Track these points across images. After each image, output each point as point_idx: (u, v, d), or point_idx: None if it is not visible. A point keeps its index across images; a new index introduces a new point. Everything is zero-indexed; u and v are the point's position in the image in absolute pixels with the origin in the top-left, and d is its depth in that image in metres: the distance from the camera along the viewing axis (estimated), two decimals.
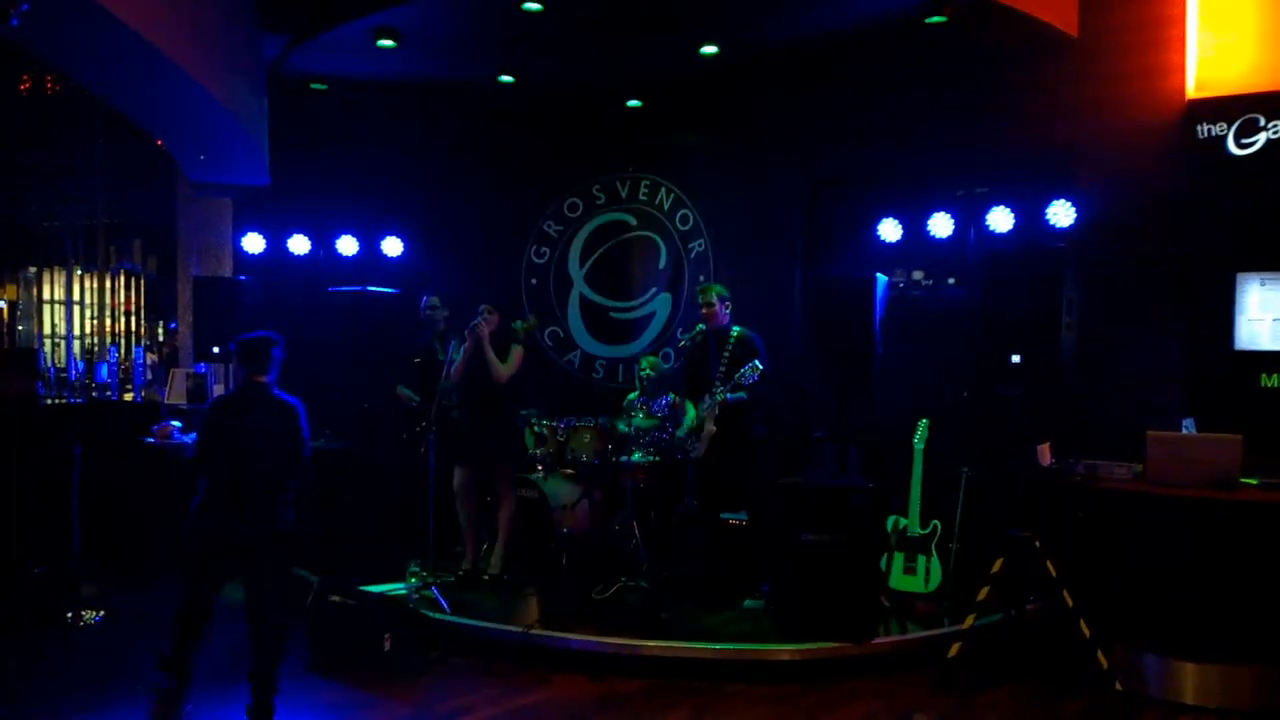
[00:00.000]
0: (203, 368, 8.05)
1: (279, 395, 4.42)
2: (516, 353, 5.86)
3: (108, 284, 11.10)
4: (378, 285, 7.02)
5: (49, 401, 8.72)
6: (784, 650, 4.72)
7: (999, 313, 4.77)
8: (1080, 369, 5.07)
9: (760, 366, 5.33)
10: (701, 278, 7.43)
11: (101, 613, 5.56)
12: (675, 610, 5.29)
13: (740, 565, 5.78)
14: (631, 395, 6.70)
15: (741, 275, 7.12)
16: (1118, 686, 4.30)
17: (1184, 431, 4.92)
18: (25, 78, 10.30)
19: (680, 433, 6.05)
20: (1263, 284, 5.43)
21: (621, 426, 6.23)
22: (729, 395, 5.45)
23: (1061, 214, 5.84)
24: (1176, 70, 5.72)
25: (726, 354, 5.59)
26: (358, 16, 5.73)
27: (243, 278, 7.41)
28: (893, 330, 5.65)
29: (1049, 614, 4.69)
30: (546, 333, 7.99)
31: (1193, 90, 5.66)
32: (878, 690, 4.52)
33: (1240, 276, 5.46)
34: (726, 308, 5.75)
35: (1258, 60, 5.52)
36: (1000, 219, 6.09)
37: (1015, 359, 4.65)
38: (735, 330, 5.70)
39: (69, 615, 5.41)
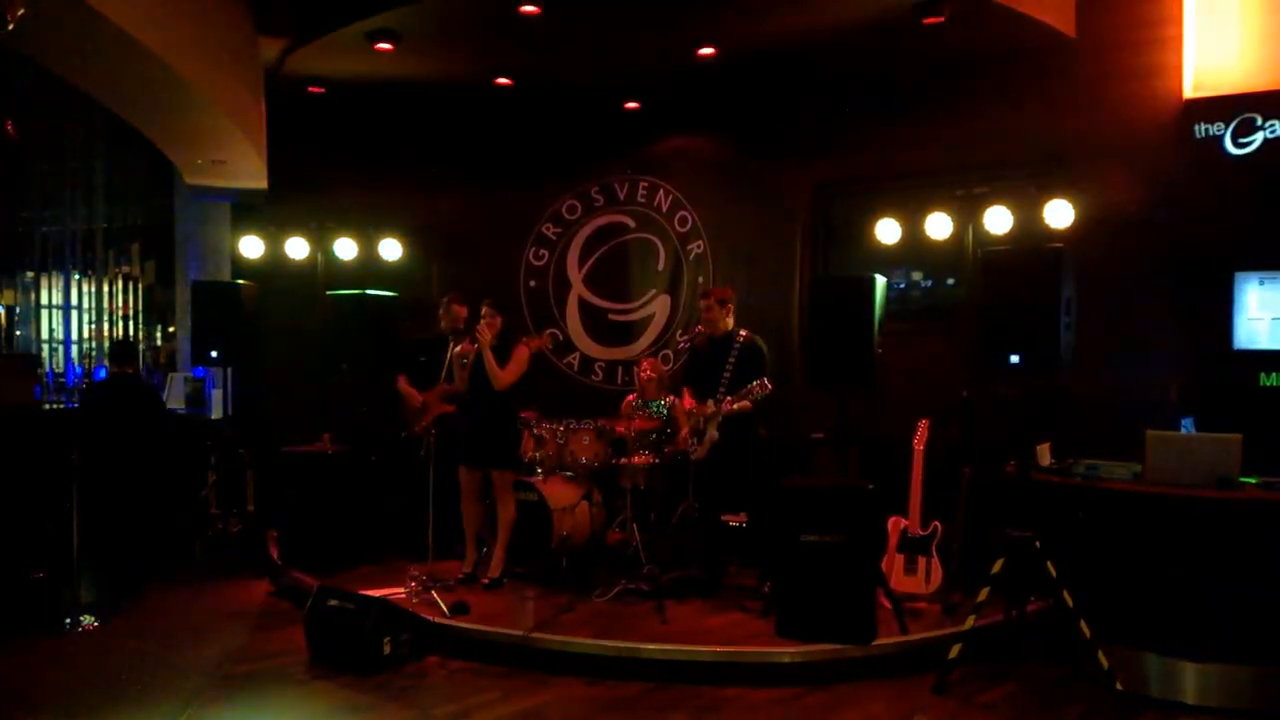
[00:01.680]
0: (201, 372, 8.05)
1: (142, 380, 6.66)
2: (519, 355, 5.82)
3: (106, 288, 11.09)
4: (376, 288, 7.01)
5: (47, 406, 8.72)
6: (785, 652, 4.71)
7: (998, 313, 4.76)
8: (1079, 369, 5.07)
9: (769, 386, 5.28)
10: (700, 279, 7.43)
11: (100, 619, 5.54)
12: (675, 612, 5.28)
13: (741, 566, 5.78)
14: (631, 397, 6.70)
15: (741, 276, 7.12)
16: (1118, 687, 4.29)
17: (1184, 431, 4.91)
18: (23, 81, 10.29)
19: (674, 430, 6.04)
20: (1261, 283, 5.43)
21: (621, 429, 6.23)
22: (734, 405, 5.42)
23: (1060, 214, 5.84)
24: (1174, 70, 5.73)
25: (732, 359, 5.55)
26: (355, 20, 5.73)
27: (241, 282, 7.41)
28: (892, 330, 5.64)
29: (1049, 614, 4.69)
30: (546, 335, 7.98)
31: (1190, 90, 5.67)
32: (879, 692, 4.51)
33: (1239, 275, 5.46)
34: (728, 310, 5.74)
35: (1255, 60, 5.53)
36: (998, 219, 6.08)
37: (1014, 359, 4.63)
38: (741, 335, 5.67)
39: (67, 621, 5.40)
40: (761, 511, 5.75)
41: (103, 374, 10.18)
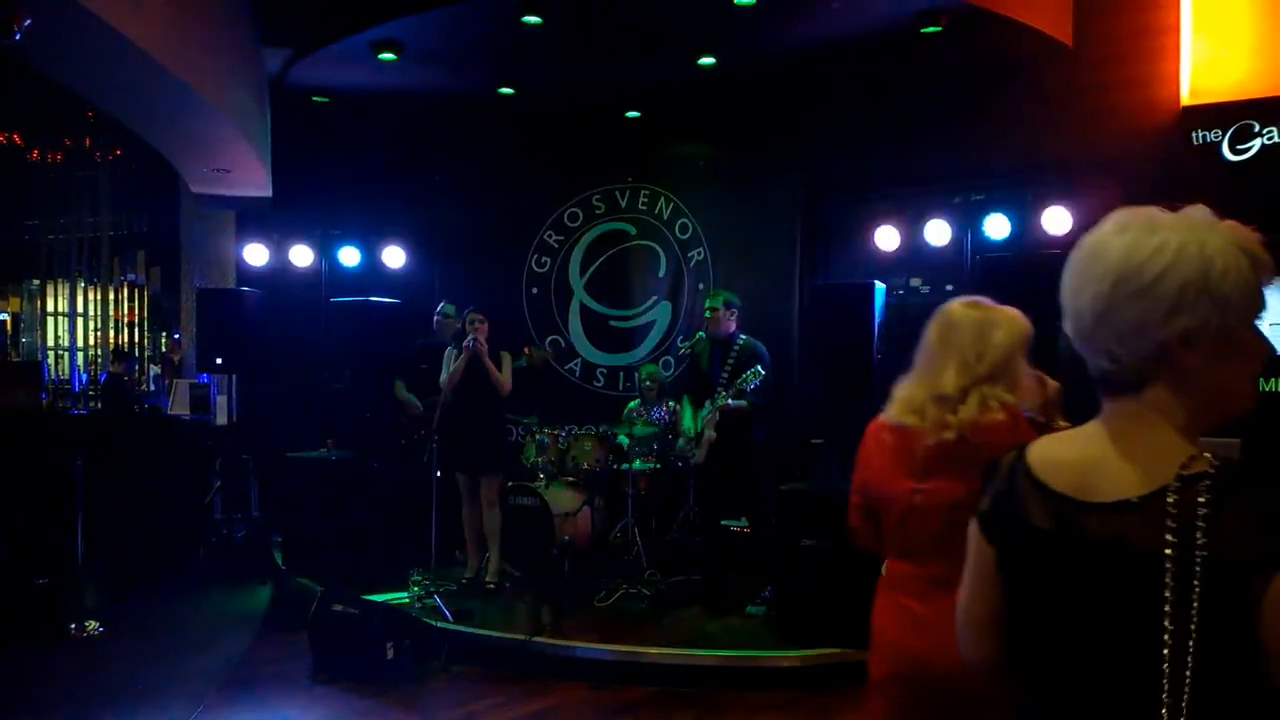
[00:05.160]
0: (206, 378, 8.10)
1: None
2: (507, 360, 5.89)
3: (111, 296, 11.15)
4: (379, 295, 7.05)
5: (52, 412, 8.77)
6: (786, 656, 4.74)
7: None
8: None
9: (762, 372, 5.37)
10: (701, 286, 7.46)
11: (104, 624, 5.56)
12: (677, 617, 5.31)
13: (741, 571, 5.80)
14: (632, 404, 6.73)
15: (741, 283, 7.15)
16: None
17: None
18: (30, 91, 10.37)
19: (680, 444, 6.09)
20: None
21: (622, 435, 6.26)
22: (730, 401, 5.48)
23: (1058, 221, 5.87)
24: (1171, 78, 5.76)
25: (730, 362, 5.62)
26: (359, 30, 5.78)
27: (246, 289, 7.45)
28: (891, 337, 5.68)
29: None
30: (547, 341, 8.02)
31: (1187, 97, 5.70)
32: None
33: None
34: (732, 315, 5.79)
35: (1252, 67, 5.56)
36: (997, 226, 6.12)
37: None
38: (741, 339, 5.73)
39: (72, 626, 5.43)
40: (762, 516, 5.78)
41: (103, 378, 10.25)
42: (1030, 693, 1.27)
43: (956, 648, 1.41)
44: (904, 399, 2.11)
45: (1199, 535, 1.07)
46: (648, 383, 6.60)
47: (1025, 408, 1.96)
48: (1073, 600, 1.18)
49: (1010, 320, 2.06)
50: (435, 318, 6.36)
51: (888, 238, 6.55)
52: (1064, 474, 1.22)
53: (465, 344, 5.74)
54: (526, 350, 6.33)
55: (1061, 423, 1.92)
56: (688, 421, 5.94)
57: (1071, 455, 1.25)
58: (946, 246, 6.36)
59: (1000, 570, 1.30)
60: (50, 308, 11.42)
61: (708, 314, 5.89)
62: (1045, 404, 2.12)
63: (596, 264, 8.02)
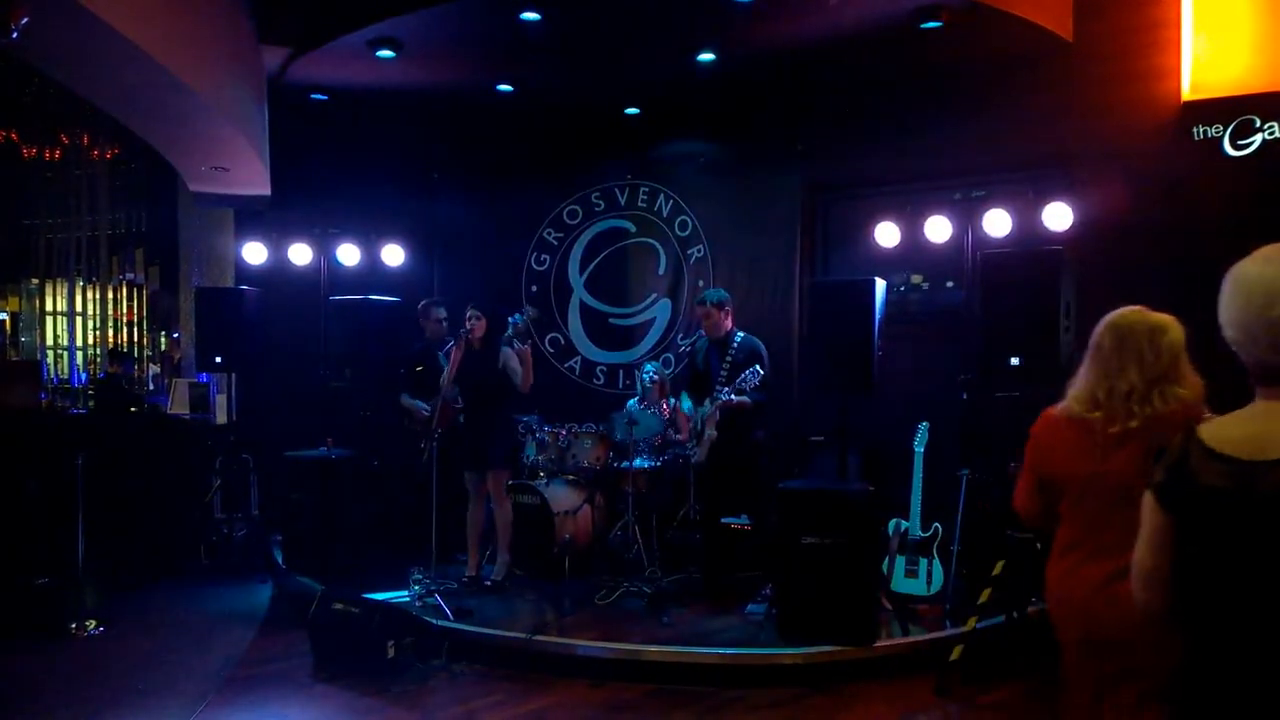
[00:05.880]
0: (205, 377, 8.09)
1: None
2: (513, 356, 5.81)
3: (110, 295, 11.14)
4: (379, 294, 7.04)
5: (52, 411, 8.76)
6: (786, 654, 4.73)
7: (998, 315, 4.78)
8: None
9: (761, 371, 5.36)
10: (700, 283, 7.45)
11: (104, 624, 5.56)
12: (677, 615, 5.30)
13: (742, 569, 5.80)
14: (632, 401, 6.72)
15: (741, 280, 7.15)
16: None
17: None
18: (27, 90, 10.35)
19: (670, 433, 6.09)
20: None
21: (622, 433, 6.25)
22: (733, 397, 5.47)
23: (1058, 216, 5.86)
24: (1172, 73, 5.74)
25: (729, 359, 5.61)
26: (357, 28, 5.77)
27: (245, 288, 7.44)
28: (892, 333, 5.66)
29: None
30: (547, 339, 8.01)
31: (1188, 92, 5.68)
32: (880, 693, 4.53)
33: None
34: (726, 314, 5.78)
35: (1253, 62, 5.54)
36: (997, 222, 6.10)
37: (1014, 361, 4.66)
38: (739, 336, 5.73)
39: (73, 626, 5.42)
40: (762, 514, 5.77)
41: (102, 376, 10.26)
42: (1196, 633, 1.57)
43: (1129, 602, 1.75)
44: (1083, 396, 2.41)
45: None
46: (653, 378, 6.59)
47: (1192, 401, 2.30)
48: (1245, 544, 1.51)
49: (1174, 325, 2.48)
50: (431, 321, 6.34)
51: (888, 234, 6.54)
52: (1237, 444, 1.55)
53: (459, 333, 5.74)
54: (525, 308, 6.27)
55: (1206, 414, 2.15)
56: (687, 404, 5.92)
57: (1243, 430, 1.58)
58: (947, 243, 6.35)
59: (1175, 531, 1.61)
60: (49, 307, 11.42)
61: (701, 316, 5.88)
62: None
63: (596, 261, 8.01)
